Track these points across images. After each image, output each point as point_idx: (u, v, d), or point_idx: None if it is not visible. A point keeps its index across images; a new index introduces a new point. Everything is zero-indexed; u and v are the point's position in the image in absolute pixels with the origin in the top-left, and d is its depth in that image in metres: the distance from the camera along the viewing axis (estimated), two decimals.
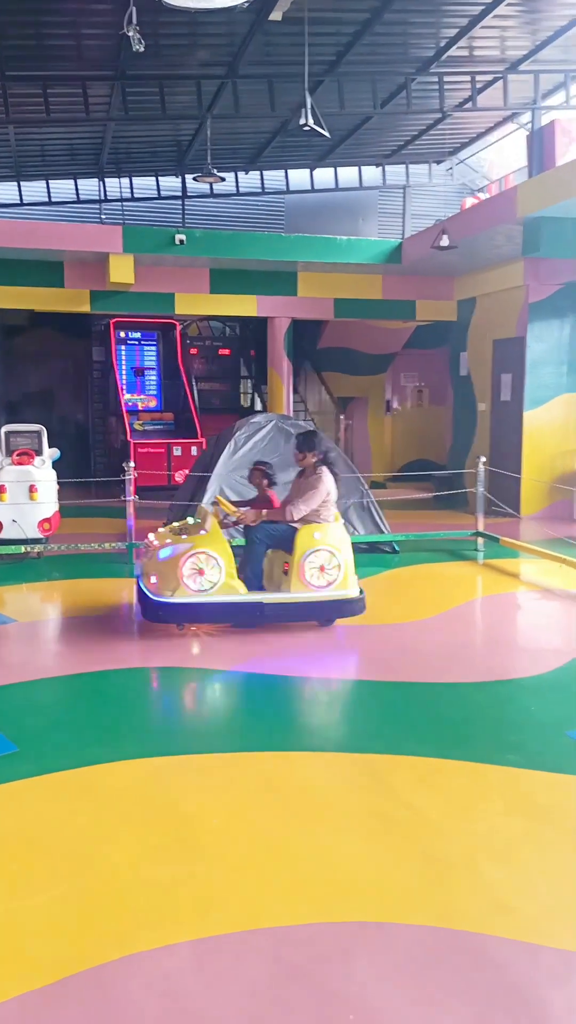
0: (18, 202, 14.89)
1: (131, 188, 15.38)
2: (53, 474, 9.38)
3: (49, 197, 15.03)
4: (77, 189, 15.13)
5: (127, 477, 9.02)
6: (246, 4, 7.33)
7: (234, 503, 6.45)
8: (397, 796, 3.50)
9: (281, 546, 6.08)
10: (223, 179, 12.35)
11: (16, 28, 9.00)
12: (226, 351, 18.74)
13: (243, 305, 14.65)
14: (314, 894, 2.81)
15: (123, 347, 16.70)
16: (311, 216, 16.25)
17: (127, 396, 16.34)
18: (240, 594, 5.87)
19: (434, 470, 14.67)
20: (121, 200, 15.30)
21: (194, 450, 14.93)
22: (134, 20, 7.28)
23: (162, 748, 4.02)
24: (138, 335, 16.82)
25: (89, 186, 15.13)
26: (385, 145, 14.58)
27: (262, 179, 15.80)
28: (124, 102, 10.97)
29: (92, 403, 17.74)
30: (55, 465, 9.80)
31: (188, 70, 10.47)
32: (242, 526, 6.28)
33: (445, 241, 10.42)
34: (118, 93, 10.73)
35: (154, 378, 17.00)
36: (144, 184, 15.46)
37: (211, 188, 15.10)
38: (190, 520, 6.53)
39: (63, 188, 15.13)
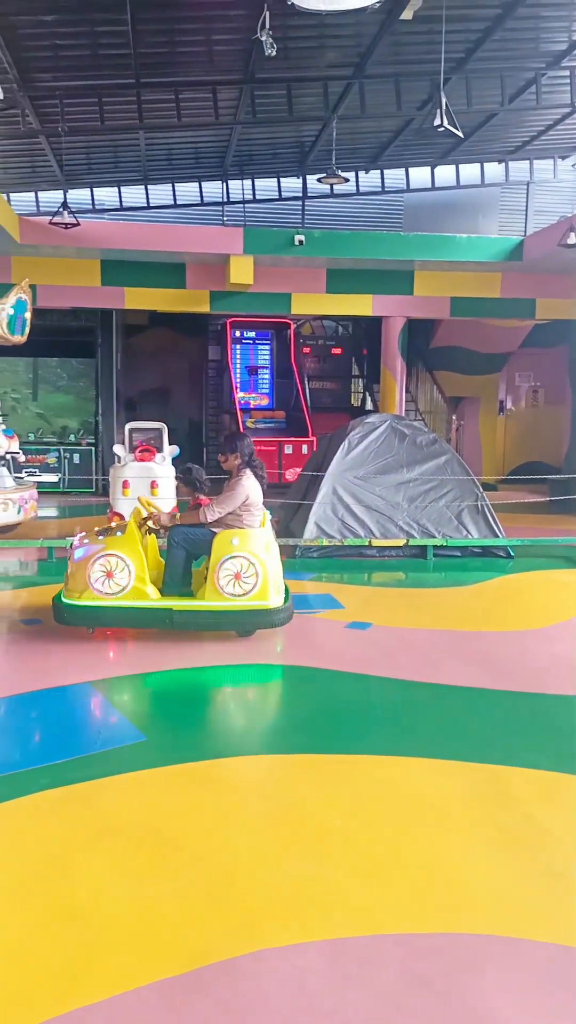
0: (145, 205, 15.35)
1: (253, 190, 15.61)
2: (173, 470, 9.65)
3: (174, 200, 15.43)
4: (201, 191, 15.47)
5: None
6: (377, 4, 7.33)
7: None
8: (518, 808, 3.44)
9: (201, 551, 5.80)
10: (347, 180, 12.39)
11: (151, 36, 9.27)
12: (338, 350, 18.80)
13: (359, 304, 14.66)
14: (439, 903, 2.80)
15: (238, 346, 17.00)
16: (430, 214, 16.07)
17: (240, 394, 16.62)
18: (150, 599, 5.62)
19: (548, 473, 14.27)
20: (243, 202, 15.55)
21: (305, 448, 15.05)
22: (267, 25, 7.39)
23: (282, 746, 4.09)
24: (253, 334, 17.08)
25: (212, 188, 15.44)
26: (509, 141, 14.26)
27: (382, 178, 15.73)
28: (252, 105, 11.15)
29: (207, 401, 18.11)
30: (173, 462, 10.08)
31: (316, 71, 10.54)
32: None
33: (573, 239, 10.12)
34: (246, 96, 10.91)
35: (267, 376, 17.22)
36: (265, 185, 15.66)
37: (331, 188, 15.15)
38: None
39: (188, 191, 15.50)
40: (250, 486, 5.73)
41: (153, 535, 6.22)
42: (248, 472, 5.79)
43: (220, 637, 5.90)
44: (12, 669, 5.28)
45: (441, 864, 3.04)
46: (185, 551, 5.81)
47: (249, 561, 5.58)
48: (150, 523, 5.96)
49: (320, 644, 5.93)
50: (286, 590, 6.02)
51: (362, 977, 2.44)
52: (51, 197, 14.60)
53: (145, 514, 6.01)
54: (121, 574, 5.56)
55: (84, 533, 6.08)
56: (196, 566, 6.18)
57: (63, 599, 5.71)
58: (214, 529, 5.71)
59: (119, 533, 5.79)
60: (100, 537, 5.81)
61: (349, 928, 2.65)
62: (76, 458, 15.29)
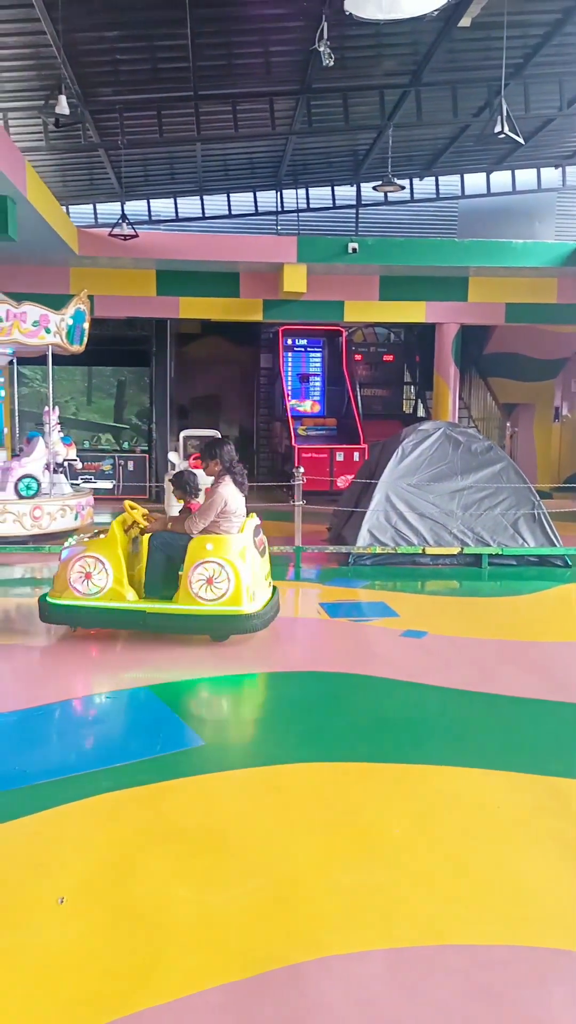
0: (200, 216, 15.54)
1: (307, 198, 15.70)
2: None
3: (229, 210, 15.59)
4: (256, 201, 15.60)
5: (296, 482, 9.19)
6: (435, 13, 7.32)
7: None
8: None
9: (180, 555, 5.81)
10: (402, 187, 12.41)
11: (210, 49, 9.41)
12: (390, 357, 18.76)
13: (412, 311, 14.62)
14: (503, 915, 2.77)
15: (290, 354, 17.08)
16: (485, 220, 15.96)
17: (292, 401, 16.69)
18: (126, 601, 5.72)
19: None
20: (297, 211, 15.64)
21: (356, 455, 15.04)
22: (325, 35, 7.44)
23: (340, 754, 4.09)
24: (304, 342, 17.15)
25: (267, 198, 15.57)
26: (567, 146, 14.10)
27: (437, 184, 15.68)
28: (308, 115, 11.22)
29: (258, 408, 18.23)
30: None
31: (372, 80, 10.57)
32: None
33: None
34: (303, 106, 10.99)
35: (318, 384, 17.27)
36: (319, 194, 15.74)
37: (385, 196, 15.15)
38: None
39: (242, 201, 15.65)
40: (227, 493, 5.77)
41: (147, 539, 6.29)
42: (227, 479, 5.84)
43: (275, 643, 5.92)
44: (68, 672, 5.38)
45: (504, 875, 3.01)
46: (165, 555, 5.87)
47: (221, 566, 5.61)
48: (137, 528, 6.05)
49: (375, 652, 5.92)
50: (274, 595, 6.10)
51: (425, 988, 2.43)
52: (108, 209, 14.88)
53: (141, 518, 6.07)
54: (99, 575, 5.72)
55: (81, 536, 6.25)
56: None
57: (48, 598, 5.91)
58: (193, 535, 5.77)
59: (101, 536, 5.96)
60: (85, 539, 6.00)
61: (412, 938, 2.64)
62: (130, 465, 15.52)
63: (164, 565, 5.86)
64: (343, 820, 3.40)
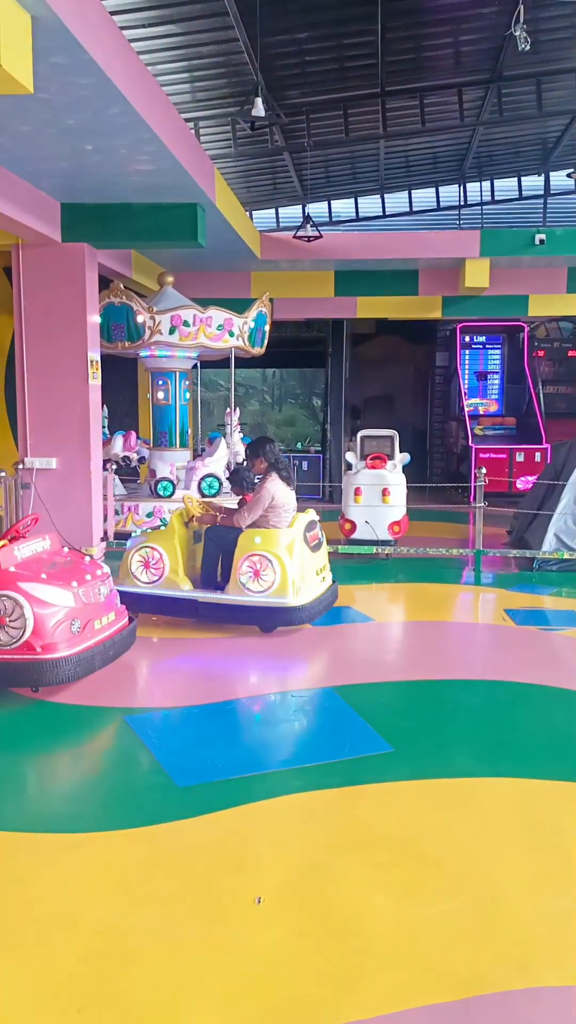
0: (380, 214, 15.45)
1: (492, 191, 15.23)
2: (403, 478, 9.58)
3: (410, 206, 15.41)
4: (438, 196, 15.32)
5: (479, 483, 8.88)
6: None
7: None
8: None
9: (230, 547, 5.96)
10: None
11: (399, 43, 9.29)
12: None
13: None
14: None
15: (467, 351, 16.62)
16: None
17: (469, 400, 16.24)
18: (180, 590, 5.97)
19: None
20: (481, 204, 15.21)
21: (538, 456, 14.40)
22: (522, 19, 7.14)
23: (537, 770, 3.86)
24: (483, 339, 16.62)
25: (449, 192, 15.24)
26: None
27: None
28: (499, 103, 10.85)
29: (433, 407, 17.88)
30: (404, 469, 10.00)
31: (568, 63, 10.07)
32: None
33: None
34: (493, 95, 10.63)
35: (496, 382, 16.70)
36: (504, 186, 15.22)
37: None
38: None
39: (424, 196, 15.42)
40: (274, 488, 5.99)
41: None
42: (273, 475, 6.06)
43: (459, 649, 5.74)
44: (256, 670, 5.45)
45: None
46: (218, 547, 6.09)
47: (268, 559, 5.79)
48: (195, 521, 6.25)
49: (563, 663, 5.59)
50: (332, 592, 6.27)
51: None
52: (288, 213, 15.09)
53: (200, 511, 6.28)
54: (156, 565, 6.07)
55: (145, 529, 6.60)
56: None
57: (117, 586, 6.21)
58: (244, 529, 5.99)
59: (161, 528, 6.29)
60: (148, 531, 6.33)
61: None
62: (304, 465, 15.67)
63: (217, 557, 6.12)
64: (547, 841, 3.20)
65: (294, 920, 2.70)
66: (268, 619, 5.92)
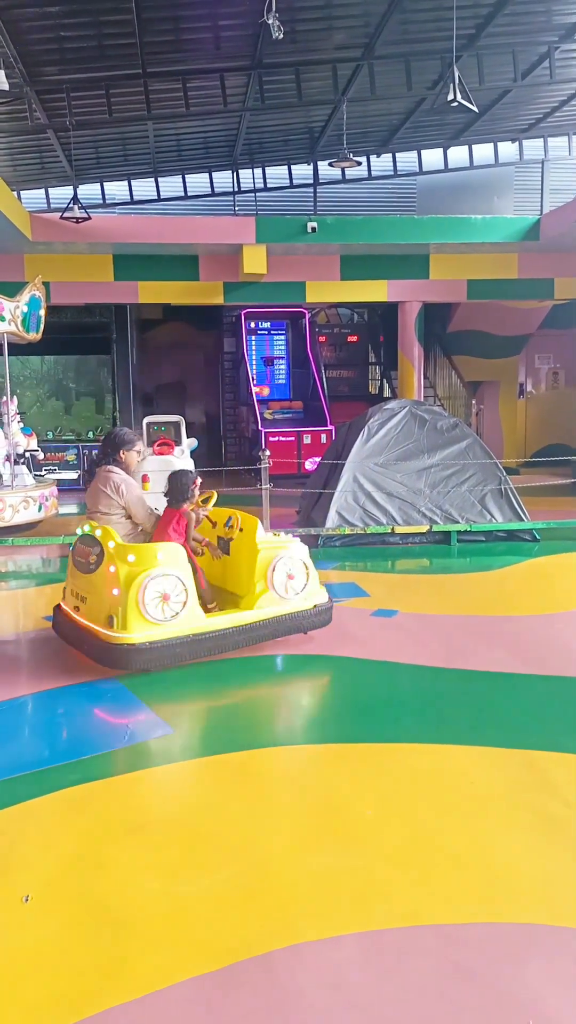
0: (155, 197, 15.28)
1: (264, 178, 15.49)
2: (191, 463, 9.59)
3: (185, 191, 15.35)
4: (212, 181, 15.37)
5: (263, 465, 9.09)
6: None
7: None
8: (556, 794, 3.35)
9: None
10: (359, 163, 12.23)
11: (157, 24, 9.19)
12: (354, 338, 18.67)
13: (374, 290, 14.52)
14: (478, 893, 2.72)
15: (253, 337, 16.90)
16: (444, 196, 15.88)
17: (256, 386, 16.54)
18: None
19: (570, 455, 14.07)
20: (254, 191, 15.44)
21: (323, 438, 14.96)
22: (274, 7, 7.28)
23: (313, 736, 4.02)
24: (268, 325, 16.98)
25: (223, 178, 15.34)
26: (523, 119, 14.04)
27: (394, 161, 15.56)
28: (261, 91, 11.02)
29: (223, 393, 18.05)
30: (192, 454, 10.03)
31: (324, 54, 10.41)
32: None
33: None
34: (255, 82, 10.79)
35: (283, 367, 17.13)
36: (276, 173, 15.54)
37: (343, 173, 15.01)
38: None
39: (198, 181, 15.41)
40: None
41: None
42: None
43: None
44: (36, 666, 5.25)
45: (480, 853, 2.96)
46: None
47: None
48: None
49: (346, 632, 5.85)
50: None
51: (401, 969, 2.37)
52: (61, 193, 14.57)
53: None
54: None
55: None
56: None
57: None
58: None
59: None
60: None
61: (387, 920, 2.58)
62: (94, 454, 15.28)
63: None
64: (316, 803, 3.34)
65: (62, 914, 2.63)
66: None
